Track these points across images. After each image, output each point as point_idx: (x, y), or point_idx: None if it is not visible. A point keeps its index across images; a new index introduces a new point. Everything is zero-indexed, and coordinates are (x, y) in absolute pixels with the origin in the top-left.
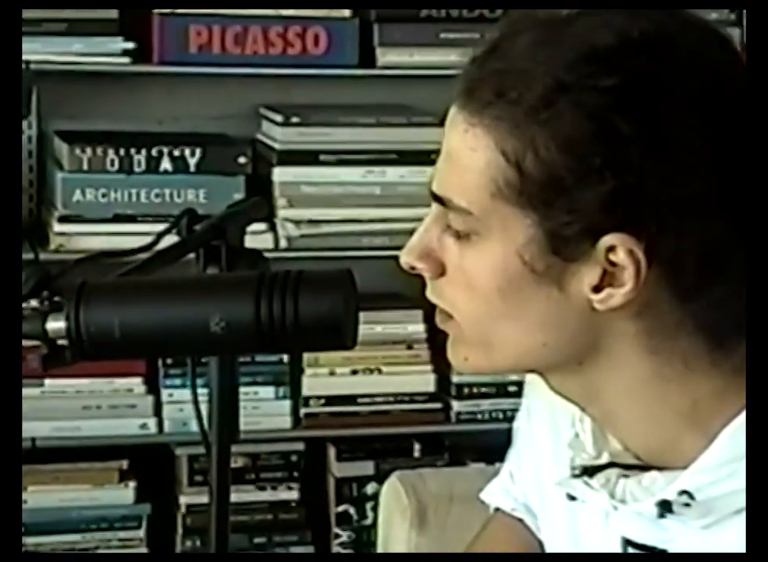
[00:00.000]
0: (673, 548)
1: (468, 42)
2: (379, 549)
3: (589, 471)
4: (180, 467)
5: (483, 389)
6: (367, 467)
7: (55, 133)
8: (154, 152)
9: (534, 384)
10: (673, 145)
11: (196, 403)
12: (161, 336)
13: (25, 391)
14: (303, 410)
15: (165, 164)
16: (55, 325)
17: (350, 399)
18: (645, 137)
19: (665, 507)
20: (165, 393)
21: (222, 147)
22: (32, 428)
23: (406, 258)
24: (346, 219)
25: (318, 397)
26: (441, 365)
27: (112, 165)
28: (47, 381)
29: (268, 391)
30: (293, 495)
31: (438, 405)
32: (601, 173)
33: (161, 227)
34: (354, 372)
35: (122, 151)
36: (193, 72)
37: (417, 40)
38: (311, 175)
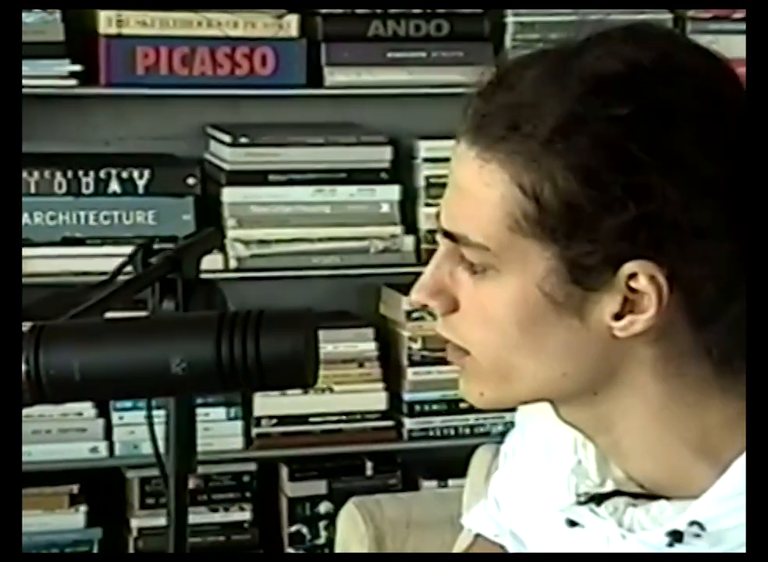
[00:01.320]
0: None
1: (415, 61)
2: None
3: (596, 499)
4: (131, 490)
5: (435, 407)
6: (320, 487)
7: None
8: (102, 174)
9: (528, 410)
10: (689, 171)
11: (153, 434)
12: (122, 378)
13: None
14: (255, 431)
15: (114, 186)
16: None
17: (302, 418)
18: (661, 164)
19: (676, 537)
20: (115, 416)
21: (171, 168)
22: None
23: (417, 297)
24: (297, 239)
25: (270, 417)
26: (392, 383)
27: (60, 187)
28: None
29: (219, 412)
30: (246, 515)
31: (390, 423)
32: (622, 201)
33: (110, 250)
34: (306, 391)
35: (69, 174)
36: (140, 94)
37: (364, 60)
38: (261, 195)
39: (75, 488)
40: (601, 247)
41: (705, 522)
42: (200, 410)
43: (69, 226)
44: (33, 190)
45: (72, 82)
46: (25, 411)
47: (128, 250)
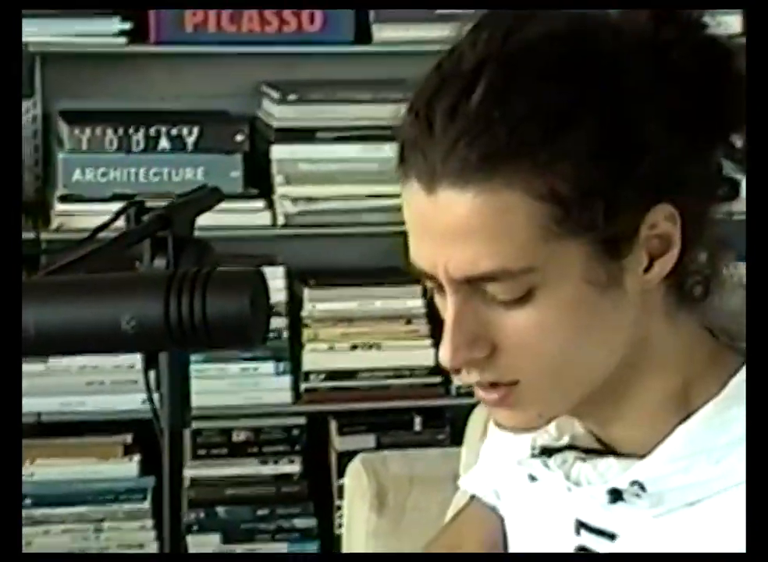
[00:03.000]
0: (624, 533)
1: (463, 18)
2: (344, 532)
3: (548, 452)
4: (184, 441)
5: None
6: (368, 441)
7: (59, 113)
8: (152, 131)
9: None
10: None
11: (148, 388)
12: (75, 334)
13: (29, 367)
14: (303, 385)
15: (164, 143)
16: None
17: (350, 373)
18: (655, 118)
19: (615, 495)
20: None
21: (220, 125)
22: (37, 404)
23: (455, 361)
24: (344, 196)
25: (318, 372)
26: (440, 339)
27: (111, 144)
28: (50, 358)
29: (268, 367)
30: (296, 468)
31: (438, 379)
32: (631, 163)
33: (159, 205)
34: (354, 347)
35: (120, 131)
36: (188, 52)
37: (412, 16)
38: (309, 152)
39: (128, 438)
40: (622, 213)
41: (645, 482)
42: (248, 365)
43: (120, 183)
44: (84, 146)
45: (122, 40)
46: (79, 363)
47: None
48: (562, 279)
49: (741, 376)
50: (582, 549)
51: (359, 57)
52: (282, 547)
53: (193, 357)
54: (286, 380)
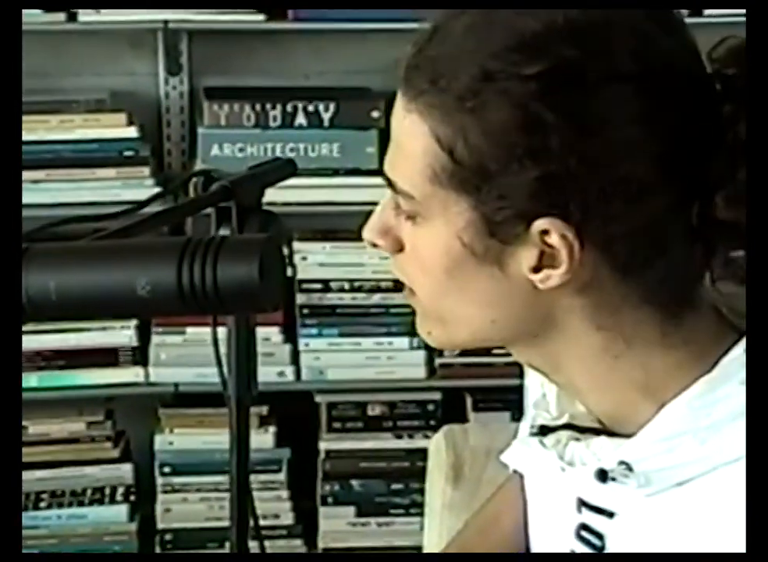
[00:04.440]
0: (622, 511)
1: None
2: (426, 504)
3: (545, 431)
4: (320, 414)
5: None
6: (504, 418)
7: (203, 89)
8: (289, 107)
9: None
10: (599, 132)
11: (218, 358)
12: (94, 298)
13: (168, 338)
14: (438, 361)
15: (300, 118)
16: None
17: (485, 349)
18: (566, 125)
19: (602, 476)
20: (301, 342)
21: (356, 101)
22: (175, 374)
23: (367, 235)
24: None
25: None
26: None
27: (249, 120)
28: (188, 329)
29: (402, 341)
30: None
31: None
32: (522, 162)
33: (296, 181)
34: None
35: (258, 107)
36: (327, 29)
37: None
38: None
39: (264, 409)
40: (510, 203)
41: (632, 463)
42: (383, 340)
43: (256, 158)
44: (223, 122)
45: (260, 17)
46: (219, 334)
47: (314, 181)
48: (440, 224)
49: (732, 355)
50: (584, 527)
51: None
52: (415, 521)
53: (327, 332)
54: (420, 355)
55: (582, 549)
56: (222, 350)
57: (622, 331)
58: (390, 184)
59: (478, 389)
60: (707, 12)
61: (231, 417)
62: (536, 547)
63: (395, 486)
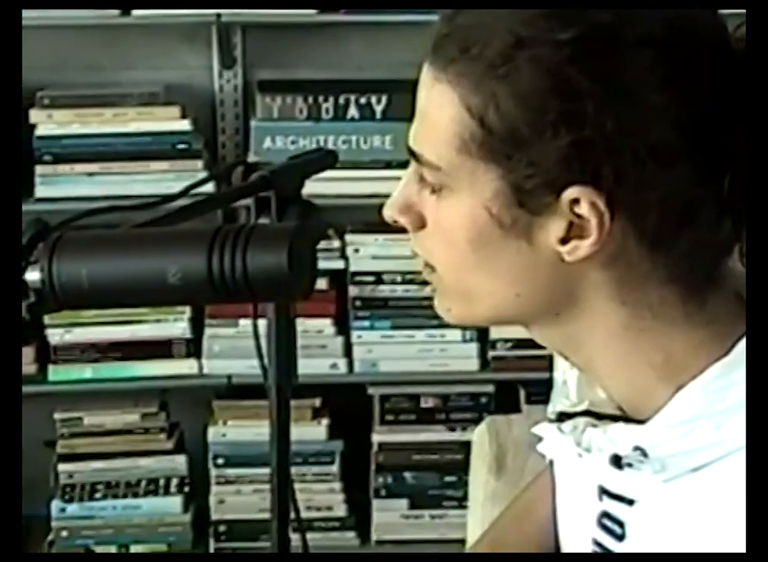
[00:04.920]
0: (641, 499)
1: None
2: (470, 495)
3: (563, 418)
4: (373, 406)
5: None
6: None
7: (257, 82)
8: (341, 100)
9: None
10: (631, 97)
11: (258, 348)
12: (125, 286)
13: (221, 330)
14: (490, 353)
15: (352, 111)
16: (33, 276)
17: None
18: (600, 90)
19: (617, 461)
20: (354, 335)
21: (408, 93)
22: (228, 366)
23: (388, 212)
24: None
25: (506, 340)
26: None
27: (301, 112)
28: (240, 321)
29: (455, 334)
30: None
31: None
32: (556, 127)
33: (348, 173)
34: None
35: (310, 99)
36: (379, 21)
37: None
38: None
39: (317, 401)
40: (540, 172)
41: (647, 448)
42: (435, 332)
43: None
44: (275, 115)
45: (312, 10)
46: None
47: (366, 173)
48: (467, 195)
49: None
50: (605, 514)
51: None
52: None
53: (379, 324)
54: (473, 347)
55: (604, 537)
56: (264, 341)
57: (646, 307)
58: (415, 157)
59: (531, 381)
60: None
61: (271, 407)
62: (563, 535)
63: (448, 479)
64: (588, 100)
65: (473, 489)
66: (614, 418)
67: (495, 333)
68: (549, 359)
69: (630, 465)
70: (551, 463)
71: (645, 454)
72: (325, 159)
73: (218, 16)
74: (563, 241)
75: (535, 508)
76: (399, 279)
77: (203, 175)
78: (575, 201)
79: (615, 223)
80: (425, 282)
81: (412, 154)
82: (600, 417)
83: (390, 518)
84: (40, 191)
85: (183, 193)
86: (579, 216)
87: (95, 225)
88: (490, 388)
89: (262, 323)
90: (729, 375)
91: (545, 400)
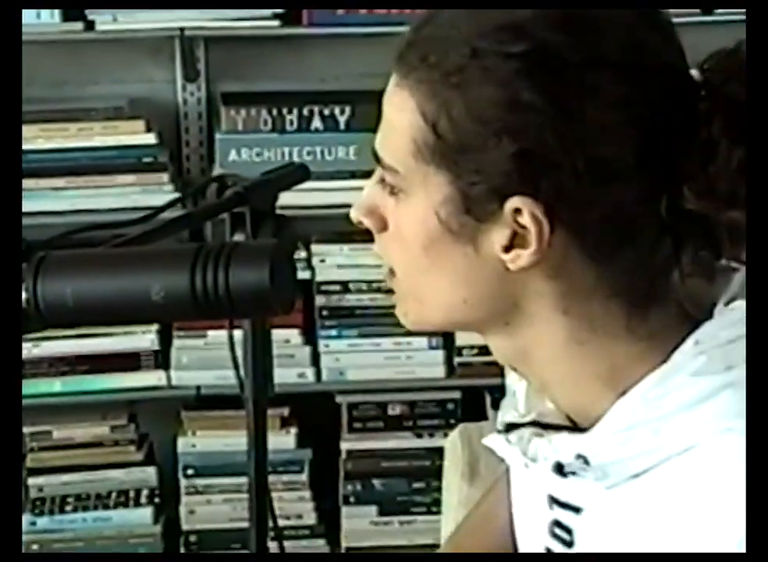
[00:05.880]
0: (587, 506)
1: None
2: (443, 501)
3: (510, 428)
4: (341, 414)
5: None
6: None
7: (221, 95)
8: (305, 111)
9: None
10: (575, 114)
11: (235, 360)
12: (109, 304)
13: (189, 342)
14: (456, 360)
15: (316, 122)
16: None
17: None
18: (544, 105)
19: (560, 470)
20: (321, 344)
21: (372, 104)
22: (196, 377)
23: (353, 213)
24: None
25: (471, 347)
26: None
27: (266, 124)
28: (209, 332)
29: (421, 341)
30: None
31: None
32: (500, 137)
33: (312, 184)
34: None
35: (274, 111)
36: (341, 33)
37: None
38: None
39: (285, 411)
40: (486, 179)
41: (588, 456)
42: (401, 339)
43: (274, 162)
44: (240, 127)
45: (275, 23)
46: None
47: (331, 184)
48: (420, 199)
49: (684, 347)
50: (556, 523)
51: None
52: (437, 519)
53: (346, 333)
54: (439, 354)
55: (556, 545)
56: (239, 352)
57: (589, 319)
58: (378, 160)
59: (497, 387)
60: (718, 11)
61: (249, 418)
62: (520, 542)
63: (416, 485)
64: (533, 113)
65: (446, 494)
66: (559, 428)
67: (461, 340)
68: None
69: (573, 473)
70: (507, 469)
71: (587, 462)
72: (297, 174)
73: (182, 29)
74: (507, 249)
75: (494, 515)
76: (365, 287)
77: (169, 188)
78: (517, 211)
79: (556, 235)
80: (391, 291)
81: (376, 157)
82: (546, 427)
83: (360, 525)
84: None
85: (163, 209)
86: (522, 226)
87: (73, 244)
88: (457, 394)
89: (235, 334)
90: (666, 382)
91: None
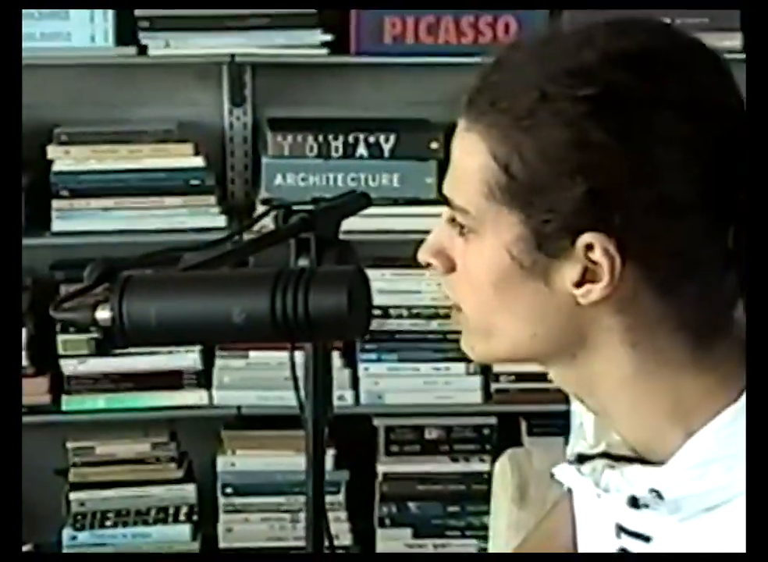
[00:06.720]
0: (658, 536)
1: None
2: (490, 525)
3: (582, 459)
4: (378, 437)
5: None
6: (557, 442)
7: (266, 120)
8: (350, 138)
9: None
10: (644, 152)
11: (295, 382)
12: (191, 325)
13: (231, 362)
14: (494, 386)
15: (361, 149)
16: (103, 314)
17: (541, 375)
18: (614, 144)
19: (634, 502)
20: (361, 367)
21: (415, 133)
22: (238, 397)
23: (421, 255)
24: None
25: (509, 374)
26: None
27: (311, 150)
28: (251, 353)
29: (459, 367)
30: (485, 467)
31: None
32: (572, 177)
33: (359, 211)
34: None
35: (320, 138)
36: (388, 62)
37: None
38: None
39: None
40: (558, 217)
41: (662, 491)
42: (440, 365)
43: (319, 187)
44: (286, 152)
45: (323, 51)
46: (278, 359)
47: (374, 210)
48: (491, 238)
49: None
50: (623, 550)
51: None
52: (470, 544)
53: (386, 357)
54: (477, 380)
55: None
56: (299, 373)
57: (655, 351)
58: (447, 202)
59: (533, 413)
60: None
61: (308, 440)
62: None
63: (451, 509)
64: (603, 152)
65: (494, 518)
66: (630, 460)
67: (498, 367)
68: (551, 392)
69: (647, 506)
70: (569, 491)
71: (660, 496)
72: (359, 201)
73: (232, 55)
74: (578, 284)
75: (555, 537)
76: (405, 313)
77: (215, 210)
78: (589, 247)
79: (626, 269)
80: (431, 317)
81: (445, 199)
82: (616, 458)
83: (394, 547)
84: (57, 225)
85: (230, 237)
86: (593, 261)
87: (143, 264)
88: (493, 420)
89: (280, 355)
90: (738, 420)
91: (546, 432)
